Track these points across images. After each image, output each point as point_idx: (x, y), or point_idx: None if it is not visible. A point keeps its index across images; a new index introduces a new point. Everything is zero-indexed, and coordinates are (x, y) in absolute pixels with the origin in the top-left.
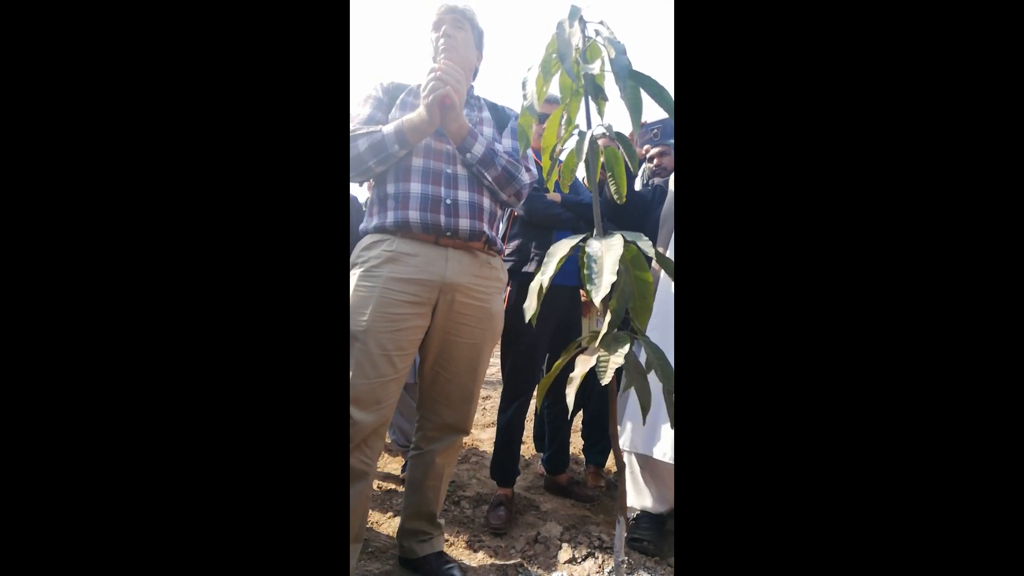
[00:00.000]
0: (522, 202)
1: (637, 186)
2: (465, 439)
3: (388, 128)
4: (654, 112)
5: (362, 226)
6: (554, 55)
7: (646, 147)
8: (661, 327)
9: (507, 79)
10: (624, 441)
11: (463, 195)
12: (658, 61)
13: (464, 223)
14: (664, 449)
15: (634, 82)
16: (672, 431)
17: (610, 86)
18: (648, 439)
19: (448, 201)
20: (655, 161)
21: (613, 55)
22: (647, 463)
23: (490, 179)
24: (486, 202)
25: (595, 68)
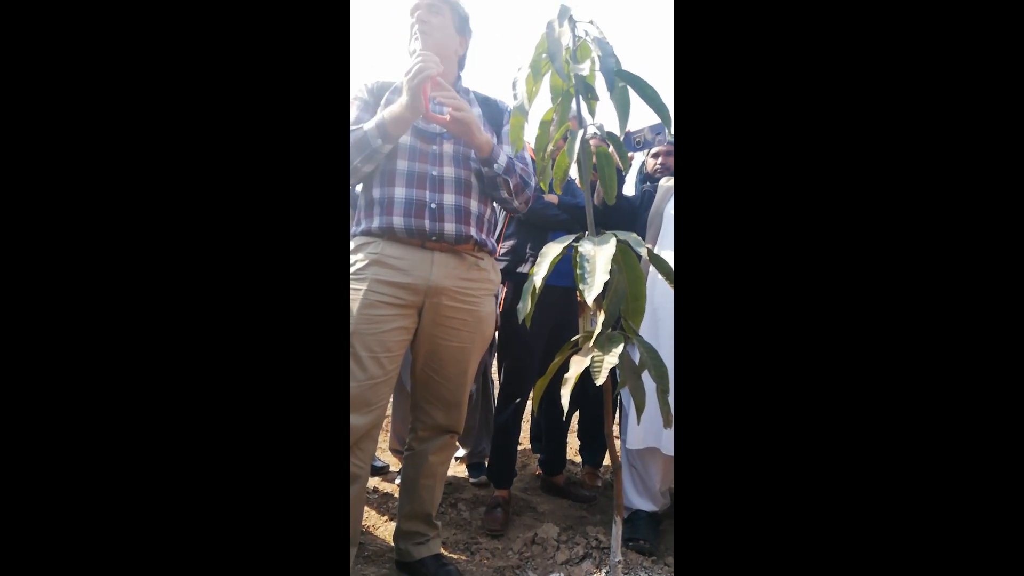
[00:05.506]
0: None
1: (633, 190)
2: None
3: (369, 124)
4: (644, 112)
5: (352, 231)
6: (544, 55)
7: (631, 155)
8: (649, 325)
9: (499, 74)
10: (627, 439)
11: (449, 199)
12: (653, 60)
13: (449, 227)
14: (660, 443)
15: (622, 83)
16: (663, 429)
17: (602, 85)
18: (644, 436)
19: (433, 205)
20: (659, 159)
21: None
22: (642, 462)
23: (512, 186)
24: (473, 205)
25: (585, 69)
